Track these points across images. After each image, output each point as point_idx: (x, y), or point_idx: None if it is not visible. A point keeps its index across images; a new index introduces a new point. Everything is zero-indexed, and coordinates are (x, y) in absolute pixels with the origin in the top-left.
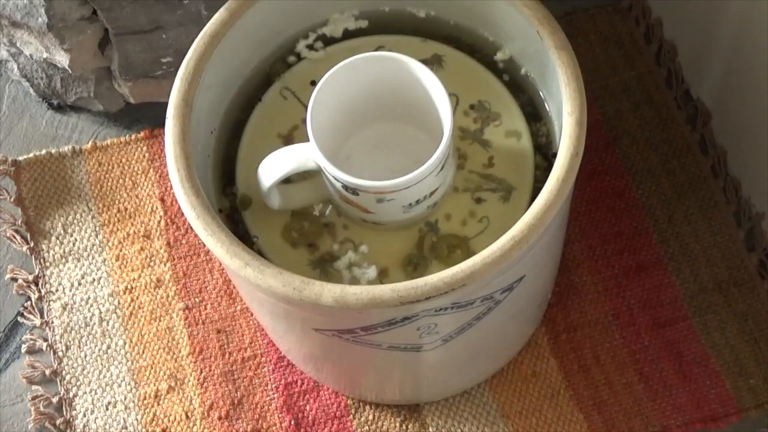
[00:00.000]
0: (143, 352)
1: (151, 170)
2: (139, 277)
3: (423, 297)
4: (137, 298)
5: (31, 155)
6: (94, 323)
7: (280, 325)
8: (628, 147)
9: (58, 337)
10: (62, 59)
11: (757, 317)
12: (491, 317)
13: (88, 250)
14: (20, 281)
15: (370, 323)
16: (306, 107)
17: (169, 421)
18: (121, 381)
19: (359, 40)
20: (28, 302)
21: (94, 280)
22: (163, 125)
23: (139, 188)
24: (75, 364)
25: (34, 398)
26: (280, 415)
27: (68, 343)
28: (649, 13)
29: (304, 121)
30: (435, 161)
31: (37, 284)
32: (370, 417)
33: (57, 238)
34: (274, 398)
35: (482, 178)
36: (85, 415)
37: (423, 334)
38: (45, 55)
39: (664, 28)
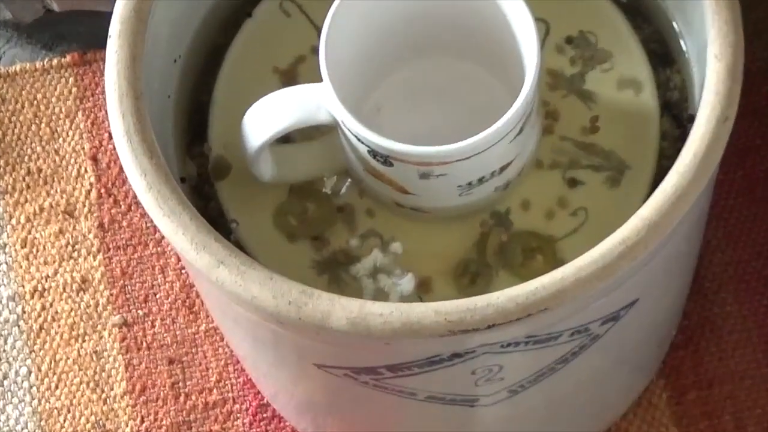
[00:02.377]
0: (56, 387)
1: (79, 114)
2: (56, 273)
3: (483, 324)
4: (51, 305)
5: None
6: None
7: (266, 357)
8: None
9: None
10: None
11: None
12: (584, 360)
13: None
14: None
15: (402, 360)
16: (318, 30)
17: None
18: (22, 429)
19: None
20: None
21: None
22: (100, 46)
23: (60, 140)
24: None
25: None
26: None
27: None
28: None
29: (316, 50)
30: (510, 120)
31: None
32: None
33: None
34: None
35: (580, 149)
36: None
37: (481, 380)
38: None
39: None
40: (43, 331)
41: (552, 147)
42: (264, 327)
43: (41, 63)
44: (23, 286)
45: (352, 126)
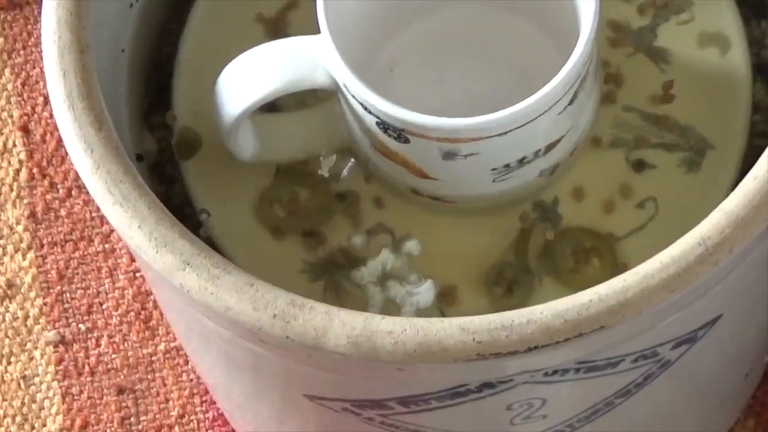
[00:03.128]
0: None
1: (6, 71)
2: None
3: (522, 346)
4: None
5: None
6: None
7: (243, 386)
8: None
9: None
10: None
11: None
12: (651, 394)
13: None
14: None
15: (418, 392)
16: None
17: None
18: None
19: None
20: None
21: None
22: None
23: None
24: None
25: None
26: None
27: None
28: None
29: None
30: (560, 85)
31: None
32: None
33: None
34: None
35: (649, 123)
36: None
37: (518, 417)
38: None
39: None
40: None
41: (613, 120)
42: (241, 347)
43: None
44: None
45: (356, 90)
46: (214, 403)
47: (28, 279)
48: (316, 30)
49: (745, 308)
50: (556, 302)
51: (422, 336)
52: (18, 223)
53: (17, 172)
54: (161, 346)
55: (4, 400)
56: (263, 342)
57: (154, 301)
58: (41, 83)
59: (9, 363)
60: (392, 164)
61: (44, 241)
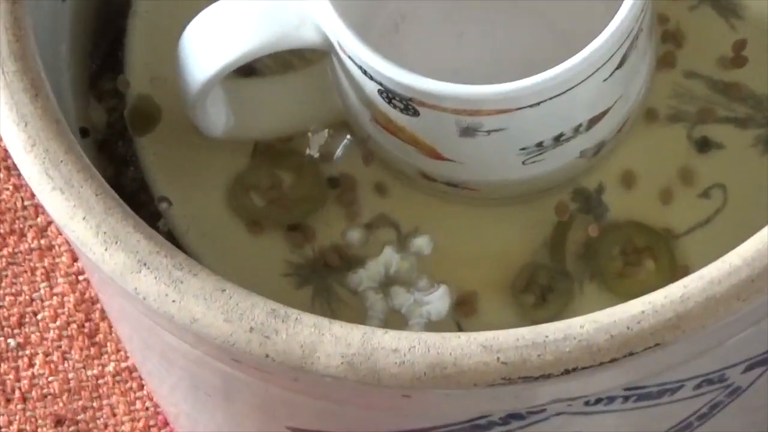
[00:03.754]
0: None
1: None
2: None
3: (557, 369)
4: None
5: None
6: None
7: (213, 415)
8: None
9: None
10: None
11: None
12: (717, 426)
13: None
14: None
15: (430, 424)
16: None
17: None
18: None
19: None
20: None
21: None
22: None
23: None
24: None
25: None
26: None
27: None
28: None
29: None
30: (606, 45)
31: None
32: None
33: None
34: None
35: (717, 93)
36: None
37: None
38: None
39: None
40: None
41: (672, 89)
42: (210, 368)
43: None
44: None
45: (354, 50)
46: None
47: None
48: None
49: None
50: (600, 314)
51: (434, 355)
52: None
53: None
54: (110, 367)
55: None
56: (237, 362)
57: (102, 311)
58: None
59: None
60: (398, 142)
61: None
